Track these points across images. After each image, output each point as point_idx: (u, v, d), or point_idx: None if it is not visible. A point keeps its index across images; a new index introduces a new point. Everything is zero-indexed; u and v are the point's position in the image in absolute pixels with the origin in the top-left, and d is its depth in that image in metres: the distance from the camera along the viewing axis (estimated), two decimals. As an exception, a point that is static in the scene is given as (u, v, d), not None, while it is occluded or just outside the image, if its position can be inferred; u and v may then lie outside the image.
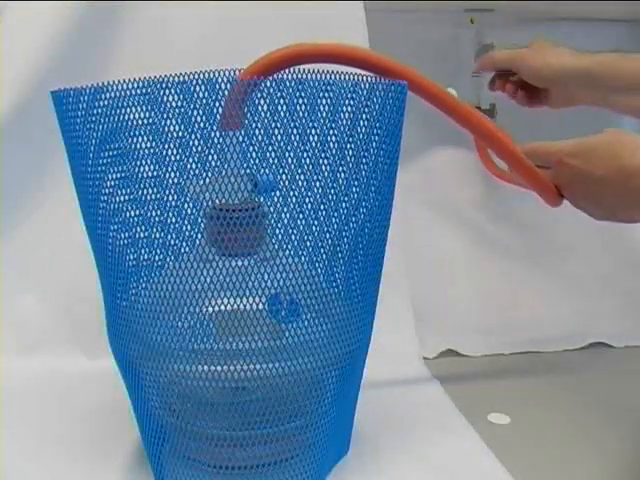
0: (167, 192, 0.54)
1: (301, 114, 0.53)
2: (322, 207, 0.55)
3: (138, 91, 0.52)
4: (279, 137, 0.53)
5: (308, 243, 0.56)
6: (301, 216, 0.55)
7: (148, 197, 0.54)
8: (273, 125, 0.53)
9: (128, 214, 0.55)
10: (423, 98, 0.61)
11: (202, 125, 0.52)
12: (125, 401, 0.61)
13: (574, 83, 0.80)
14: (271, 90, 0.52)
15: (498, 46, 0.91)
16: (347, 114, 0.54)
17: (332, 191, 0.55)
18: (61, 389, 0.78)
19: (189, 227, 0.55)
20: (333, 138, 0.54)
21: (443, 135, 1.01)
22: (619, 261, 1.03)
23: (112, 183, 0.55)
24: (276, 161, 0.54)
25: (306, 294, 0.54)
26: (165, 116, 0.52)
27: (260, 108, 0.52)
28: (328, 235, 0.56)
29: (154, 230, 0.55)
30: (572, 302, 0.98)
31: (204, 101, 0.51)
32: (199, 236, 0.55)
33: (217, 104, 0.51)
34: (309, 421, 0.58)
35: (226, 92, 0.51)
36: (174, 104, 0.52)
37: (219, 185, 0.51)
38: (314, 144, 0.54)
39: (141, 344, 0.55)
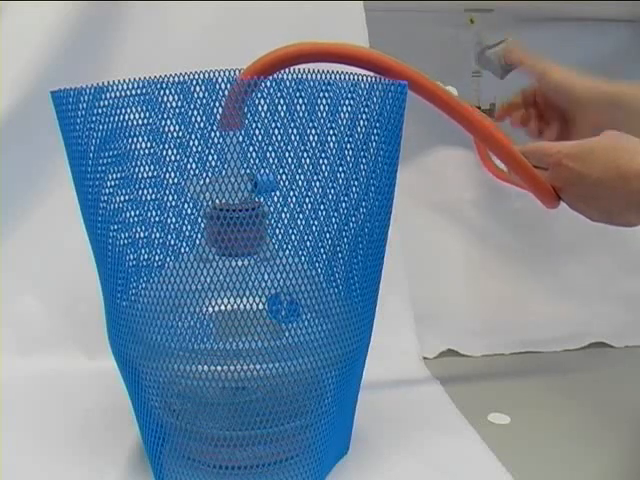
0: (167, 192, 0.54)
1: (301, 114, 0.53)
2: (322, 207, 0.55)
3: (136, 91, 0.51)
4: (279, 137, 0.53)
5: (308, 243, 0.56)
6: (301, 216, 0.55)
7: (148, 197, 0.54)
8: (273, 125, 0.53)
9: (128, 214, 0.55)
10: (423, 97, 0.61)
11: (201, 125, 0.52)
12: (125, 401, 0.61)
13: (603, 107, 0.74)
14: (271, 90, 0.52)
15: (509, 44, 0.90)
16: (346, 114, 0.54)
17: (332, 191, 0.55)
18: (61, 389, 0.78)
19: (189, 227, 0.55)
20: (333, 138, 0.54)
21: (443, 135, 1.01)
22: (619, 261, 1.03)
23: (112, 183, 0.55)
24: (276, 161, 0.54)
25: (306, 294, 0.54)
26: (164, 116, 0.52)
27: (260, 108, 0.52)
28: (328, 235, 0.56)
29: (154, 230, 0.55)
30: (572, 302, 0.98)
31: (203, 101, 0.51)
32: (199, 236, 0.55)
33: (216, 104, 0.51)
34: (309, 421, 0.58)
35: (226, 92, 0.51)
36: (173, 104, 0.51)
37: (219, 185, 0.51)
38: (314, 144, 0.54)
39: (141, 344, 0.55)
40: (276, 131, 0.53)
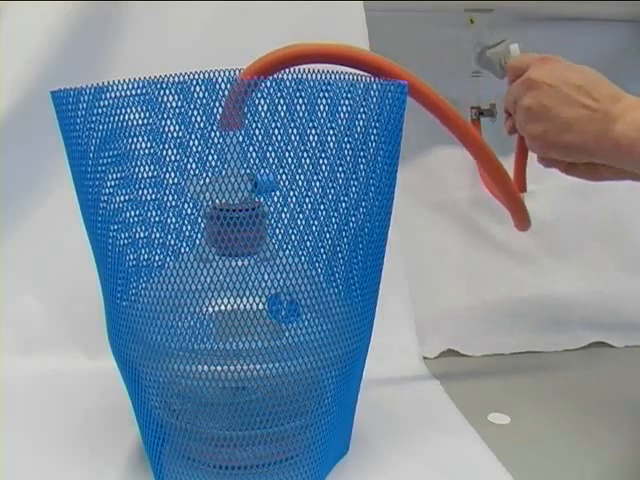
0: (166, 192, 0.54)
1: (301, 114, 0.53)
2: (322, 207, 0.55)
3: (136, 91, 0.52)
4: (279, 137, 0.53)
5: (308, 243, 0.56)
6: (301, 216, 0.55)
7: (148, 197, 0.54)
8: (273, 125, 0.53)
9: (128, 214, 0.55)
10: (419, 102, 0.61)
11: (201, 125, 0.52)
12: (125, 401, 0.61)
13: None
14: (271, 90, 0.52)
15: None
16: (345, 114, 0.54)
17: (332, 191, 0.55)
18: (61, 389, 0.78)
19: (189, 227, 0.55)
20: (332, 138, 0.54)
21: (443, 135, 1.00)
22: (619, 261, 1.03)
23: (112, 183, 0.55)
24: (276, 161, 0.54)
25: (306, 294, 0.54)
26: (164, 116, 0.52)
27: (260, 108, 0.52)
28: (328, 235, 0.56)
29: (154, 230, 0.55)
30: (572, 301, 0.98)
31: (203, 101, 0.51)
32: (199, 236, 0.55)
33: (216, 104, 0.51)
34: (309, 421, 0.58)
35: (226, 92, 0.51)
36: (173, 104, 0.51)
37: (219, 185, 0.51)
38: (313, 144, 0.54)
39: (141, 344, 0.55)
40: (276, 131, 0.53)
